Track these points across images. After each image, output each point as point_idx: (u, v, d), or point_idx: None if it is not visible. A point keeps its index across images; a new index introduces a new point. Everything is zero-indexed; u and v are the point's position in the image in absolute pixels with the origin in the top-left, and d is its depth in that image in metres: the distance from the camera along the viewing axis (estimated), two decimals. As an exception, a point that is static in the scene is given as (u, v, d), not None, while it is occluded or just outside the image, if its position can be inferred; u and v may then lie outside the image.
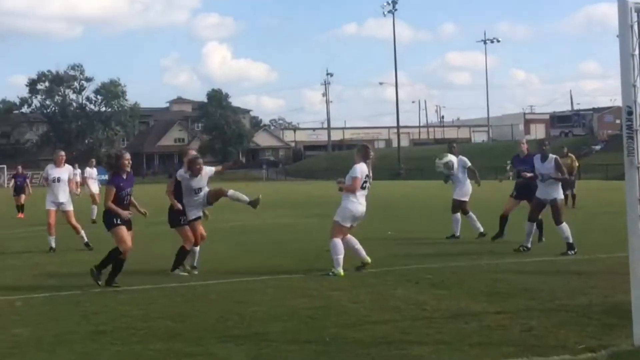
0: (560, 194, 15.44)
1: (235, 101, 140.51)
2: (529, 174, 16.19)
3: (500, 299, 10.42)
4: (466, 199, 18.75)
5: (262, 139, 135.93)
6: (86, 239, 17.69)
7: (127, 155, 12.55)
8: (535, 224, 15.63)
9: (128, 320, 9.44)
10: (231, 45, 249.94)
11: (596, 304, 9.76)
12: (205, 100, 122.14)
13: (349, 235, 13.12)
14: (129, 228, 12.29)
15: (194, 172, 13.42)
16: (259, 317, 9.53)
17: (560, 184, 15.43)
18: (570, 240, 15.04)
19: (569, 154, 31.99)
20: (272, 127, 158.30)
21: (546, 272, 12.68)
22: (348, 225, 12.96)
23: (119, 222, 12.09)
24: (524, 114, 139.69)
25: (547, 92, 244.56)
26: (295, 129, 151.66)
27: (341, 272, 12.70)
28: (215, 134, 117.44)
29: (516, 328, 8.61)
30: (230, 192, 13.61)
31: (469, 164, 18.84)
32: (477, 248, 16.36)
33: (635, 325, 7.71)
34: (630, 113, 7.78)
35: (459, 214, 18.65)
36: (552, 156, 15.49)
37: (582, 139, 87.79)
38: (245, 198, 13.68)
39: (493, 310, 9.65)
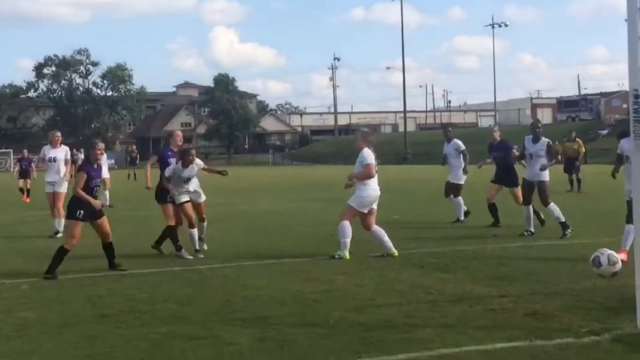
0: (546, 176, 15.55)
1: (242, 86, 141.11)
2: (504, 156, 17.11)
3: (505, 282, 10.43)
4: (461, 182, 18.85)
5: (268, 124, 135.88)
6: (59, 229, 17.24)
7: (101, 146, 12.36)
8: (531, 206, 15.61)
9: (133, 304, 9.47)
10: (238, 30, 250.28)
11: (600, 287, 9.76)
12: (212, 84, 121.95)
13: (376, 227, 13.07)
14: (98, 217, 12.02)
15: (186, 162, 13.54)
16: (263, 300, 9.56)
17: (540, 167, 15.50)
18: (562, 219, 15.23)
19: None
20: (279, 112, 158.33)
21: (551, 256, 12.67)
22: (365, 211, 12.95)
23: (80, 216, 11.81)
24: (531, 98, 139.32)
25: (555, 76, 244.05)
26: (301, 113, 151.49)
27: (347, 255, 12.71)
28: (222, 118, 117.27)
29: (520, 312, 8.62)
30: None
31: (463, 147, 18.97)
32: (482, 232, 16.36)
33: (639, 309, 7.71)
34: (637, 97, 7.76)
35: (460, 198, 18.72)
36: (544, 139, 15.63)
37: (589, 123, 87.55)
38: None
39: (498, 293, 9.66)
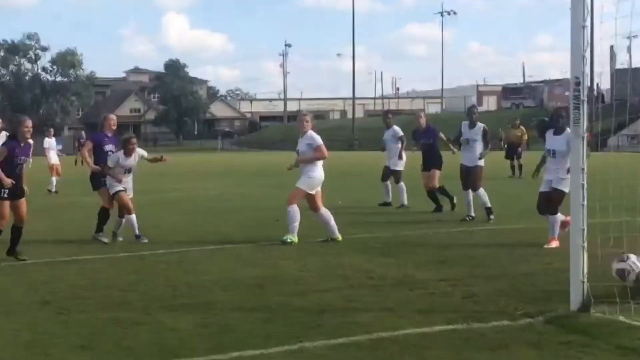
0: (482, 162, 15.72)
1: (193, 72, 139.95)
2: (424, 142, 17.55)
3: (445, 267, 10.54)
4: (399, 168, 19.01)
5: (218, 110, 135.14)
6: None
7: (29, 123, 11.62)
8: (480, 191, 15.79)
9: (75, 290, 9.37)
10: (189, 16, 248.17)
11: (536, 272, 9.91)
12: (163, 70, 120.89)
13: (324, 209, 13.05)
14: (18, 197, 11.51)
15: (127, 151, 13.39)
16: (207, 286, 9.52)
17: (476, 151, 15.69)
18: (489, 205, 15.53)
19: (520, 126, 32.32)
20: (229, 98, 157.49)
21: (491, 242, 12.80)
22: (313, 192, 12.92)
23: (5, 195, 11.26)
24: (477, 85, 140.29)
25: (501, 64, 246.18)
26: (251, 99, 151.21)
27: (296, 239, 12.70)
28: (171, 104, 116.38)
29: (459, 295, 8.72)
30: None
31: (401, 134, 19.09)
32: (426, 217, 16.49)
33: (572, 290, 7.85)
34: (578, 84, 7.87)
35: (402, 183, 18.89)
36: (480, 124, 15.80)
37: (533, 110, 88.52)
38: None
39: (438, 277, 9.74)
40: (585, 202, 7.88)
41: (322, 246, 12.56)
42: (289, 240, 12.67)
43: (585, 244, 7.90)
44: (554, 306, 7.92)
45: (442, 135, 17.95)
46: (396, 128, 19.15)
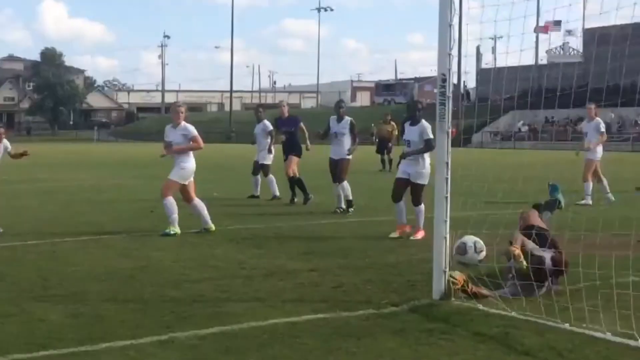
0: (348, 155, 15.85)
1: (70, 61, 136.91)
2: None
3: (315, 257, 10.62)
4: (267, 162, 19.15)
5: (95, 100, 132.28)
6: None
7: None
8: (344, 183, 15.94)
9: (-58, 281, 9.03)
10: (67, 4, 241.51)
11: (402, 261, 10.11)
12: (39, 59, 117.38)
13: (197, 199, 12.92)
14: None
15: None
16: (78, 277, 9.32)
17: (344, 146, 15.86)
18: (350, 197, 15.80)
19: (391, 121, 32.87)
20: (106, 88, 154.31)
21: (360, 233, 12.97)
22: (187, 183, 12.79)
23: None
24: (352, 81, 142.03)
25: (375, 61, 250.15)
26: (129, 90, 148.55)
27: (178, 230, 12.56)
28: (47, 93, 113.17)
29: (328, 285, 8.80)
30: None
31: (270, 128, 19.16)
32: (298, 209, 16.59)
33: (435, 280, 8.06)
34: (444, 80, 8.07)
35: (271, 176, 18.97)
36: (348, 118, 15.91)
37: (404, 106, 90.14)
38: None
39: (308, 268, 9.82)
40: (448, 195, 8.09)
41: (196, 237, 12.48)
42: (171, 232, 12.52)
43: (448, 236, 8.13)
44: (417, 295, 8.11)
45: (302, 125, 18.15)
46: (266, 122, 19.18)
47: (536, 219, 9.12)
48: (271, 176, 19.01)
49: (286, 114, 18.47)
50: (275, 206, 17.55)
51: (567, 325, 6.82)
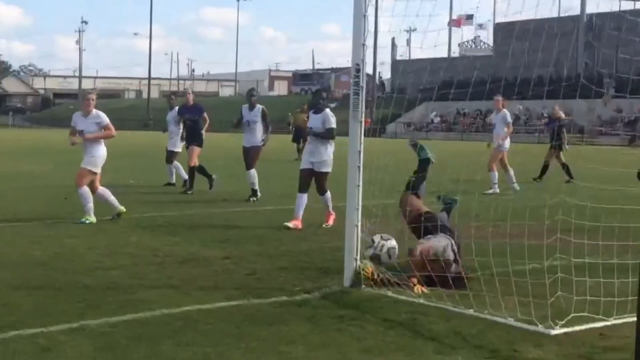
0: (259, 143, 15.94)
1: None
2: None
3: (229, 245, 10.59)
4: (176, 149, 19.00)
5: (10, 85, 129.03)
6: None
7: None
8: (252, 171, 15.94)
9: None
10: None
11: (315, 249, 10.16)
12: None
13: (101, 187, 12.70)
14: None
15: None
16: (-11, 264, 9.10)
17: (257, 134, 15.92)
18: (256, 187, 15.88)
19: (304, 115, 32.94)
20: (22, 73, 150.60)
21: (275, 221, 12.95)
22: (99, 170, 12.56)
23: None
24: (270, 70, 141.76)
25: (293, 51, 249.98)
26: (45, 76, 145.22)
27: (94, 219, 12.34)
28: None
29: (241, 272, 8.78)
30: None
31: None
32: (213, 197, 16.50)
33: (346, 268, 8.11)
34: (358, 70, 8.11)
35: (177, 162, 18.86)
36: (259, 106, 16.02)
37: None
38: None
39: (222, 255, 9.78)
40: (360, 184, 8.15)
41: (111, 224, 12.30)
42: (87, 221, 12.28)
43: (360, 224, 8.19)
44: (329, 282, 8.15)
45: (205, 115, 18.03)
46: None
47: (416, 202, 9.11)
48: (176, 163, 18.88)
49: (191, 102, 18.36)
50: (189, 194, 17.37)
51: (471, 311, 6.96)
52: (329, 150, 12.23)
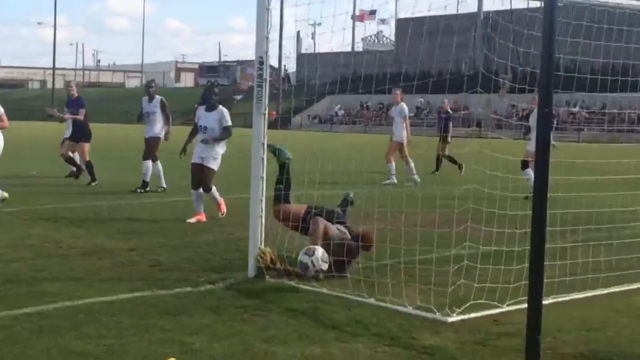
0: (159, 134, 15.78)
1: None
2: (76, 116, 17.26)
3: (134, 236, 10.43)
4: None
5: None
6: None
7: None
8: (146, 162, 15.78)
9: None
10: None
11: (220, 240, 10.10)
12: None
13: None
14: None
15: None
16: None
17: (157, 125, 15.78)
18: (147, 179, 15.72)
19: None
20: None
21: (180, 212, 12.80)
22: None
23: None
24: (176, 62, 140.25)
25: (199, 43, 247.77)
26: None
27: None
28: None
29: (146, 263, 8.67)
30: None
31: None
32: (118, 189, 16.18)
33: (250, 258, 8.09)
34: (261, 63, 8.08)
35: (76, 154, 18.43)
36: (158, 97, 15.92)
37: (227, 88, 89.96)
38: None
39: (127, 247, 9.63)
40: (264, 175, 8.14)
41: (12, 215, 11.95)
42: None
43: (264, 214, 8.18)
44: (233, 273, 8.13)
45: (84, 110, 17.47)
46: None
47: (292, 208, 8.74)
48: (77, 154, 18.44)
49: (75, 95, 17.84)
50: (95, 185, 17.02)
51: (372, 300, 7.02)
52: (220, 147, 11.95)
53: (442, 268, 7.63)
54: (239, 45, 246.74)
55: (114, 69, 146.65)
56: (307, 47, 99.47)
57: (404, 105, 19.18)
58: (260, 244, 8.14)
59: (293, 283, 7.67)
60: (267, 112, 8.16)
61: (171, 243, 9.99)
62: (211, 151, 11.86)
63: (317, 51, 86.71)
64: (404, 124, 19.02)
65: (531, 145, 15.62)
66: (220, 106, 12.06)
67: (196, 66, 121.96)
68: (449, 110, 23.78)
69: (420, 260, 8.22)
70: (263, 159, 8.11)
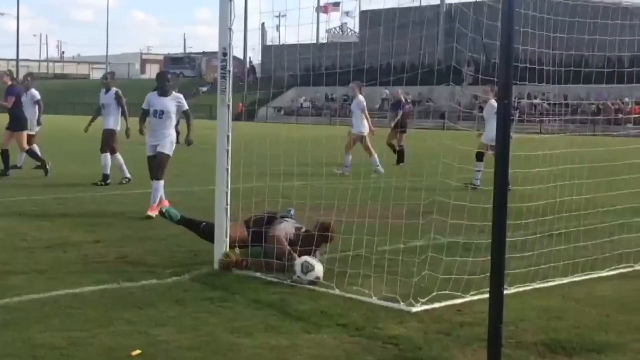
0: (114, 126, 15.59)
1: None
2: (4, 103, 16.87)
3: (100, 228, 10.36)
4: (33, 132, 18.25)
5: None
6: None
7: None
8: (110, 155, 15.58)
9: None
10: None
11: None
12: None
13: None
14: None
15: None
16: None
17: (111, 117, 15.61)
18: (108, 172, 15.50)
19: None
20: None
21: (145, 204, 12.66)
22: None
23: None
24: (141, 53, 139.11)
25: (164, 34, 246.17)
26: None
27: None
28: None
29: (112, 256, 8.63)
30: None
31: (38, 97, 18.42)
32: (84, 181, 16.00)
33: (216, 250, 8.08)
34: (225, 54, 8.05)
35: (35, 145, 18.10)
36: (114, 89, 15.69)
37: (192, 80, 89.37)
38: None
39: (92, 239, 9.56)
40: (229, 167, 8.12)
41: (-24, 209, 11.83)
42: None
43: (229, 207, 8.16)
44: (199, 265, 8.10)
45: (8, 99, 16.99)
46: (34, 92, 18.35)
47: (238, 227, 8.48)
48: (35, 146, 18.09)
49: (9, 83, 17.46)
50: (61, 177, 16.83)
51: (338, 291, 7.05)
52: (171, 134, 11.76)
53: (408, 259, 7.67)
54: (205, 37, 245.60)
55: (79, 61, 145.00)
56: (272, 39, 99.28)
57: (360, 98, 19.17)
58: (225, 236, 8.13)
59: (259, 275, 7.67)
60: (231, 103, 8.13)
61: (137, 235, 9.93)
62: (164, 137, 11.60)
63: (282, 43, 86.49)
64: (362, 116, 19.07)
65: (485, 137, 15.74)
66: (174, 92, 11.92)
67: (161, 58, 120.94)
68: (403, 100, 23.76)
69: (385, 251, 8.26)
70: (228, 150, 8.09)
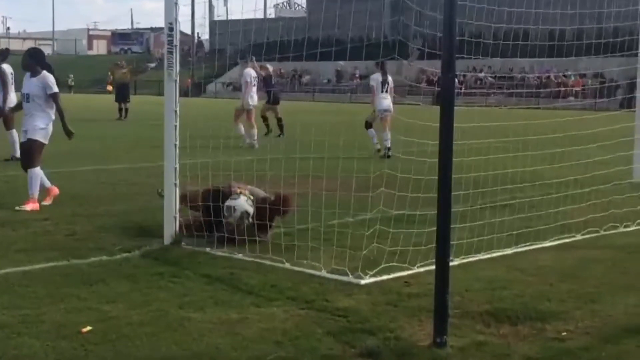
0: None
1: None
2: None
3: (48, 206, 10.19)
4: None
5: None
6: None
7: None
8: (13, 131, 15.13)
9: None
10: None
11: (135, 209, 9.96)
12: None
13: None
14: None
15: None
16: None
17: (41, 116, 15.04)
18: (17, 155, 14.63)
19: (123, 69, 32.07)
20: None
21: (94, 180, 12.61)
22: None
23: None
24: (88, 29, 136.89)
25: (111, 10, 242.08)
26: None
27: None
28: None
29: (61, 233, 8.53)
30: None
31: None
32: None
33: (165, 226, 8.03)
34: (171, 29, 7.97)
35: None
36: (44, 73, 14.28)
37: (140, 56, 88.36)
38: None
39: (41, 217, 9.44)
40: (177, 142, 8.06)
41: None
42: None
43: (178, 182, 8.11)
44: (149, 241, 8.03)
45: None
46: None
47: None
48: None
49: None
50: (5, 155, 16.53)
51: (287, 265, 7.06)
52: (46, 119, 10.23)
53: (357, 232, 7.71)
54: (152, 12, 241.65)
55: (25, 37, 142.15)
56: (219, 14, 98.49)
57: (246, 72, 19.67)
58: (175, 212, 8.08)
59: (208, 249, 7.65)
60: (178, 78, 8.05)
61: (86, 212, 9.82)
62: (36, 122, 10.20)
63: (229, 18, 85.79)
64: (247, 90, 19.68)
65: (380, 104, 17.21)
66: (45, 71, 10.32)
67: (109, 33, 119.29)
68: (270, 72, 23.85)
69: (334, 224, 8.30)
70: (176, 126, 8.03)
